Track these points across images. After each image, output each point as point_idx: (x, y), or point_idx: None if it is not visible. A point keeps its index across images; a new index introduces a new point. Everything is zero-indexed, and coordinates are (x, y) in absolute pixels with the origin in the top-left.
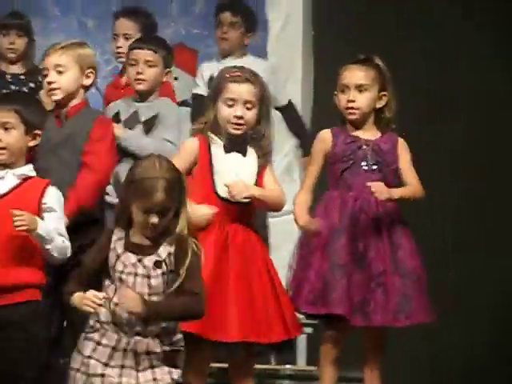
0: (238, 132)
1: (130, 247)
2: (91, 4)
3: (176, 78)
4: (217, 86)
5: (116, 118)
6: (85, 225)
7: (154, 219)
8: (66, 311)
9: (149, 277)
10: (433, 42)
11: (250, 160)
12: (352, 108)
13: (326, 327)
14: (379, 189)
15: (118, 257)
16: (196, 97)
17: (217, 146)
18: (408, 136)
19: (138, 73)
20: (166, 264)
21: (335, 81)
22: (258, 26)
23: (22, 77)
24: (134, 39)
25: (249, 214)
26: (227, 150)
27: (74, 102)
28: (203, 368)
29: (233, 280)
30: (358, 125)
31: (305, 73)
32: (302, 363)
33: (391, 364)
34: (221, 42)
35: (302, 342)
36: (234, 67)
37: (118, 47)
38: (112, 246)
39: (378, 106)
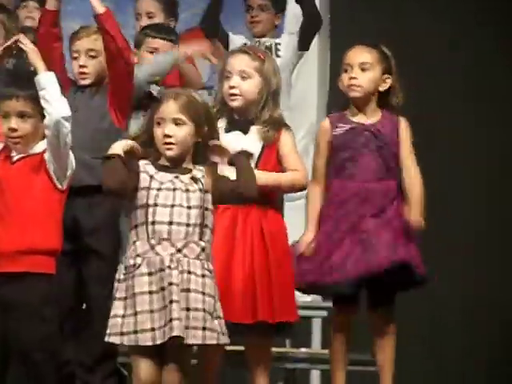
0: (235, 104)
1: (162, 169)
2: None
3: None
4: (221, 65)
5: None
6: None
7: (167, 129)
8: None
9: (187, 190)
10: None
11: (251, 138)
12: (354, 85)
13: (336, 308)
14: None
15: (152, 177)
16: None
17: (220, 128)
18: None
19: None
20: (201, 183)
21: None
22: (285, 5)
23: None
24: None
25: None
26: (227, 129)
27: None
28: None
29: (236, 264)
30: (360, 106)
31: (320, 57)
32: (316, 346)
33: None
34: (252, 25)
35: (316, 325)
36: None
37: (142, 26)
38: (141, 169)
39: (381, 88)
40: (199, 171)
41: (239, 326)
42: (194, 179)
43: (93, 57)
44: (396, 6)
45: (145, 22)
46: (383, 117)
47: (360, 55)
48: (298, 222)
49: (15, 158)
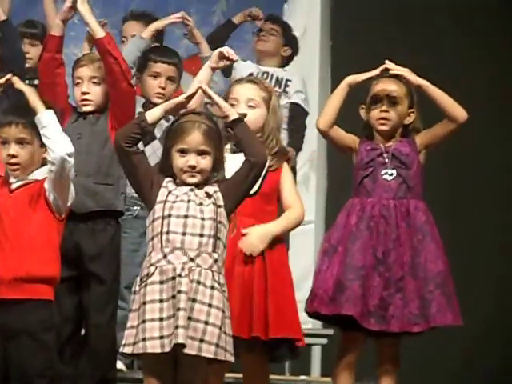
0: None
1: (181, 185)
2: (109, 13)
3: None
4: (227, 91)
5: (147, 106)
6: (98, 229)
7: (192, 161)
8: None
9: (201, 204)
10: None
11: None
12: (385, 119)
13: (342, 333)
14: None
15: (170, 192)
16: None
17: (226, 150)
18: None
19: (161, 87)
20: (214, 198)
21: (352, 91)
22: (295, 43)
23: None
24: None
25: (263, 211)
26: (232, 150)
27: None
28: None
29: (236, 278)
30: (386, 137)
31: (322, 83)
32: (316, 374)
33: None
34: (258, 43)
35: (316, 352)
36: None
37: None
38: (164, 184)
39: (406, 122)
40: (211, 187)
41: (236, 341)
42: (208, 195)
43: (95, 83)
44: (397, 26)
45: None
46: (401, 140)
47: (391, 88)
48: (305, 246)
49: (14, 186)
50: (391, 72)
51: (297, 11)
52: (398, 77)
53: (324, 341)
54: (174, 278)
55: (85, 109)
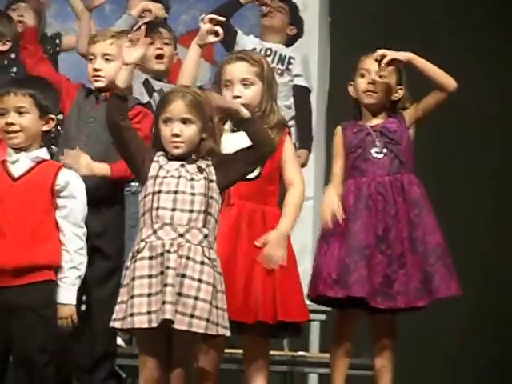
0: None
1: (172, 158)
2: None
3: None
4: (218, 72)
5: (147, 83)
6: (104, 205)
7: (176, 129)
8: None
9: (192, 179)
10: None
11: None
12: (371, 91)
13: (338, 311)
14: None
15: (161, 166)
16: None
17: (226, 130)
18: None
19: (158, 48)
20: (206, 172)
21: (351, 67)
22: (300, 24)
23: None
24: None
25: (265, 192)
26: (233, 130)
27: None
28: (214, 362)
29: (240, 262)
30: (374, 112)
31: (321, 60)
32: (314, 350)
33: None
34: (265, 19)
35: (315, 328)
36: (236, 51)
37: (133, 25)
38: (155, 158)
39: (394, 98)
40: (205, 161)
41: (239, 323)
42: (200, 169)
43: (108, 60)
44: (397, 9)
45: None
46: (389, 117)
47: (374, 63)
48: (304, 222)
49: (17, 175)
50: (383, 63)
51: None
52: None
53: (322, 317)
54: (162, 254)
55: (96, 84)
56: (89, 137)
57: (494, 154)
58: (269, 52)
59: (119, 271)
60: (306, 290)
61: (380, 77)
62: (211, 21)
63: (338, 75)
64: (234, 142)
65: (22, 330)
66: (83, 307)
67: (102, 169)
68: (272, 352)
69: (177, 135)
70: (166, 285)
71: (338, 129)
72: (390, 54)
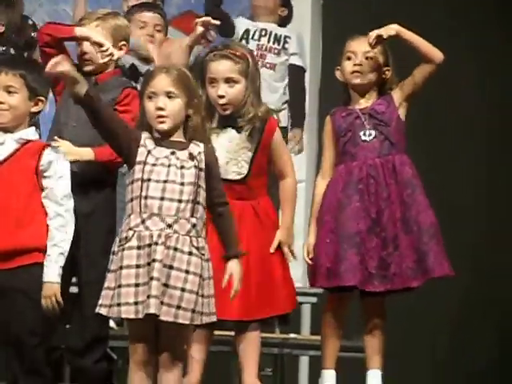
0: (226, 112)
1: (161, 143)
2: None
3: None
4: (201, 67)
5: (134, 68)
6: (93, 187)
7: (160, 103)
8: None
9: (182, 167)
10: (443, 14)
11: (243, 139)
12: (358, 72)
13: (329, 295)
14: None
15: (149, 152)
16: None
17: (211, 126)
18: None
19: (150, 35)
20: (197, 160)
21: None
22: (290, 7)
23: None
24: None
25: (254, 187)
26: (220, 126)
27: (104, 72)
28: (204, 344)
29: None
30: (362, 93)
31: (313, 43)
32: (306, 333)
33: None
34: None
35: (306, 311)
36: (220, 45)
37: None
38: (142, 142)
39: (381, 79)
40: (197, 146)
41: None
42: (191, 156)
43: (95, 43)
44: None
45: (133, 1)
46: (378, 98)
47: (365, 44)
48: (298, 204)
49: (2, 158)
50: (372, 41)
51: None
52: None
53: (314, 299)
54: (150, 245)
55: (85, 68)
56: (77, 121)
57: (494, 153)
58: (264, 32)
59: (109, 254)
60: (296, 272)
61: (367, 58)
62: (205, 24)
63: (331, 58)
64: (224, 138)
65: (12, 313)
66: (75, 289)
67: (85, 153)
68: (263, 334)
69: (161, 108)
70: (151, 278)
71: (327, 118)
72: (378, 31)
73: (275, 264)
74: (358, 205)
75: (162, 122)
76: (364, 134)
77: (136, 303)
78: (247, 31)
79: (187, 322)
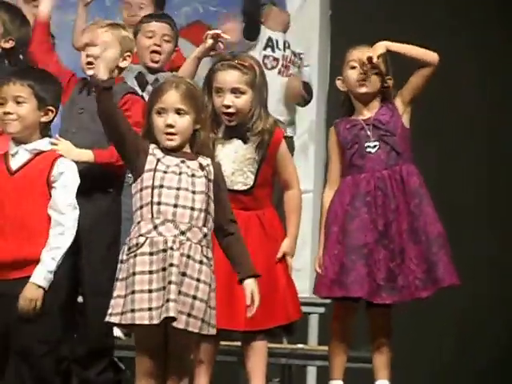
0: (232, 123)
1: (170, 153)
2: None
3: None
4: (208, 76)
5: (142, 77)
6: (97, 193)
7: (170, 119)
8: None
9: (193, 175)
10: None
11: (250, 150)
12: (363, 80)
13: (334, 304)
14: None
15: (159, 160)
16: None
17: (217, 136)
18: None
19: (156, 45)
20: (206, 171)
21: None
22: None
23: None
24: (145, 13)
25: (259, 198)
26: (226, 136)
27: None
28: (210, 353)
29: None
30: (366, 102)
31: (321, 53)
32: (313, 343)
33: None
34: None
35: (313, 321)
36: (228, 54)
37: (132, 15)
38: (150, 151)
39: (384, 87)
40: (204, 159)
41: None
42: (201, 166)
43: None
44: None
45: (134, 11)
46: (381, 107)
47: (366, 55)
48: (305, 214)
49: (15, 168)
50: (365, 69)
51: None
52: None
53: (321, 309)
54: (164, 251)
55: (88, 72)
56: (78, 128)
57: (494, 153)
58: (287, 44)
59: (114, 262)
60: (303, 283)
61: (371, 68)
62: (215, 37)
63: (339, 68)
64: (229, 149)
65: (20, 321)
66: (80, 299)
67: (84, 154)
68: (270, 345)
69: (171, 126)
70: (170, 282)
71: (331, 129)
72: (367, 54)
73: (280, 274)
74: (366, 216)
75: (170, 140)
76: (369, 146)
77: (150, 309)
78: (270, 39)
79: (196, 331)
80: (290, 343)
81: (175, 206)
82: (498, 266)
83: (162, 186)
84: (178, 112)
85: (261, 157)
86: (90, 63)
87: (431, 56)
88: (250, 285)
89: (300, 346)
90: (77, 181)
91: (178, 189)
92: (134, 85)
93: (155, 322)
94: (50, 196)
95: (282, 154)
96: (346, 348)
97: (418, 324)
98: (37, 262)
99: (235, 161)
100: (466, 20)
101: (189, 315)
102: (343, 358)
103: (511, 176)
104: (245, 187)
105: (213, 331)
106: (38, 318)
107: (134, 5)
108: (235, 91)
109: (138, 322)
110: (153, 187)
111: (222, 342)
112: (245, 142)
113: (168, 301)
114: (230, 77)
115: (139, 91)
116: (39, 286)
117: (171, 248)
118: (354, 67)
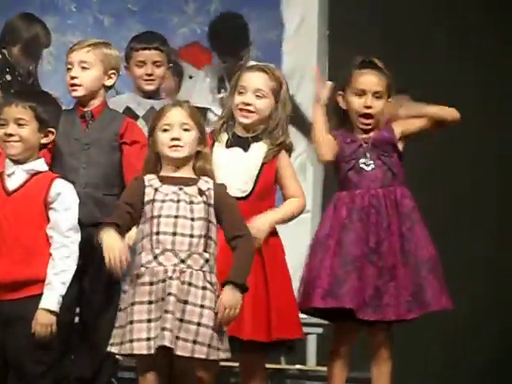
0: (247, 121)
1: (167, 181)
2: (107, 1)
3: (191, 77)
4: (236, 77)
5: (129, 112)
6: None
7: (175, 133)
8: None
9: (191, 202)
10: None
11: (251, 155)
12: (369, 114)
13: (335, 325)
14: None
15: (157, 189)
16: None
17: (220, 143)
18: None
19: (148, 74)
20: (206, 196)
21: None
22: None
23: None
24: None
25: (258, 209)
26: (228, 145)
27: (96, 103)
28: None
29: None
30: (368, 130)
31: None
32: (311, 363)
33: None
34: None
35: (312, 342)
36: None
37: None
38: (146, 183)
39: (385, 111)
40: (205, 183)
41: (235, 340)
42: (201, 192)
43: (84, 68)
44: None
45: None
46: (378, 128)
47: (374, 83)
48: (304, 235)
49: (12, 188)
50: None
51: (294, 0)
52: (375, 67)
53: (319, 330)
54: (164, 281)
55: (74, 94)
56: (87, 163)
57: (491, 154)
58: None
59: (115, 283)
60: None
61: (377, 98)
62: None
63: (336, 89)
64: (230, 157)
65: (17, 342)
66: (76, 319)
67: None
68: (269, 365)
69: (177, 139)
70: (166, 311)
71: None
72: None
73: (285, 288)
74: (359, 232)
75: (176, 151)
76: (365, 164)
77: (148, 339)
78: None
79: (203, 357)
80: (289, 364)
81: (174, 234)
82: (494, 267)
83: (160, 216)
84: (184, 128)
85: (260, 164)
86: (73, 85)
87: (452, 114)
88: (223, 292)
89: (298, 366)
90: (76, 201)
91: (176, 217)
92: None
93: (153, 351)
94: (47, 216)
95: (284, 166)
96: (346, 369)
97: (415, 325)
98: (35, 281)
99: (235, 167)
100: (462, 23)
101: (194, 342)
102: (342, 379)
103: (508, 177)
104: (243, 194)
105: (224, 355)
106: (35, 339)
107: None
108: (257, 92)
109: (136, 352)
110: (152, 217)
111: (223, 364)
112: (245, 150)
113: (164, 329)
114: (255, 78)
115: None
116: (51, 312)
117: (170, 278)
118: (359, 95)
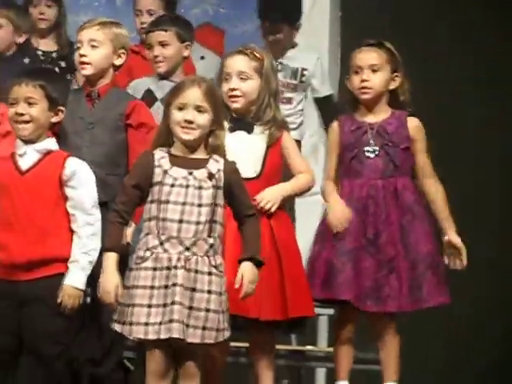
0: (236, 105)
1: (178, 162)
2: None
3: (203, 58)
4: (220, 66)
5: (149, 95)
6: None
7: (189, 115)
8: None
9: (200, 188)
10: (459, 24)
11: (255, 138)
12: (365, 88)
13: (338, 310)
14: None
15: (166, 172)
16: None
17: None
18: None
19: (155, 56)
20: (215, 179)
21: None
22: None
23: (54, 54)
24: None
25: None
26: (231, 129)
27: (104, 82)
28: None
29: None
30: (370, 106)
31: (331, 54)
32: (323, 344)
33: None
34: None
35: (323, 323)
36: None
37: (143, 23)
38: (156, 163)
39: (391, 87)
40: (216, 163)
41: (246, 320)
42: (210, 175)
43: (94, 47)
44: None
45: (146, 18)
46: (392, 115)
47: (369, 57)
48: (311, 217)
49: (25, 168)
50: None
51: None
52: (378, 45)
53: (331, 311)
54: (168, 268)
55: (83, 72)
56: (91, 142)
57: (493, 154)
58: (280, 67)
59: (124, 263)
60: None
61: (373, 71)
62: None
63: (349, 70)
64: (235, 141)
65: (33, 323)
66: (88, 300)
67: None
68: (280, 346)
69: (190, 122)
70: (173, 302)
71: (335, 125)
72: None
73: (295, 267)
74: (356, 223)
75: (187, 133)
76: (368, 151)
77: (146, 324)
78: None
79: (212, 342)
80: (300, 345)
81: (180, 221)
82: (497, 269)
83: (168, 202)
84: (198, 109)
85: (266, 146)
86: (82, 63)
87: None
88: (243, 267)
89: (309, 347)
90: (93, 178)
91: (184, 203)
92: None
93: (150, 336)
94: (63, 195)
95: (288, 146)
96: (351, 349)
97: (418, 326)
98: (50, 261)
99: (241, 151)
100: (464, 18)
101: (204, 328)
102: (348, 359)
103: (511, 178)
104: (254, 174)
105: (227, 334)
106: (52, 319)
107: (144, 12)
108: (241, 75)
109: (134, 336)
110: (159, 202)
111: (231, 344)
112: (249, 132)
113: (172, 321)
114: (236, 61)
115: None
116: (78, 289)
117: (175, 267)
118: (356, 72)
